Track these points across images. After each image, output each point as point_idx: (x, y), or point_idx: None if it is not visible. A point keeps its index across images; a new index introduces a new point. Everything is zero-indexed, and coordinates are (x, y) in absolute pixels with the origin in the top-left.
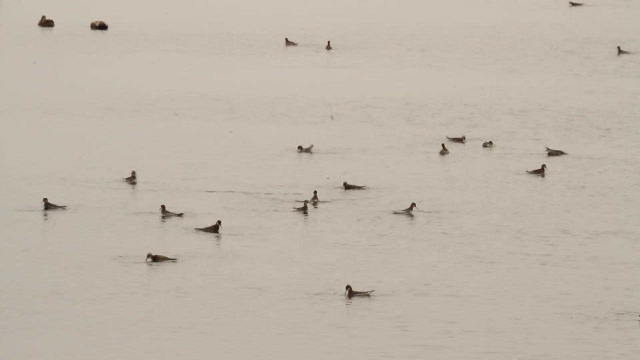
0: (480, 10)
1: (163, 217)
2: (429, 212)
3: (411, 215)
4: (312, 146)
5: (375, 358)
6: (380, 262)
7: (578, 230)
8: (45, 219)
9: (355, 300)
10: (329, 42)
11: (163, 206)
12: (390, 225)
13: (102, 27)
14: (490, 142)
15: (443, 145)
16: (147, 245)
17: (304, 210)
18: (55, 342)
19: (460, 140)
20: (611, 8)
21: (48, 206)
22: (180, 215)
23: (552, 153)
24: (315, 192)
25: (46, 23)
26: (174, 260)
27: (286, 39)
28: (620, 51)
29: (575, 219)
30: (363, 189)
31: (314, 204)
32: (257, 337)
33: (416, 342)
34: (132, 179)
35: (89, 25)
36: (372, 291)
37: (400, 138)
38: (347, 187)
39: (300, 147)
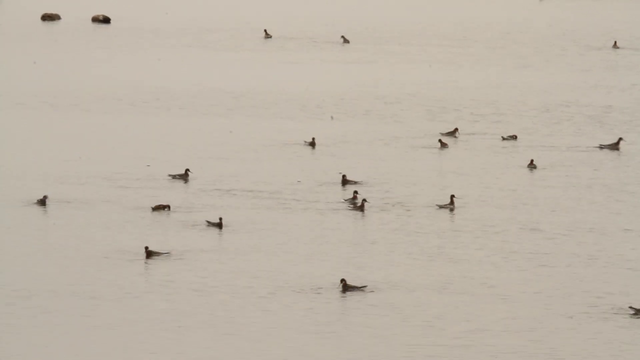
0: (481, 6)
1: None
2: (453, 206)
3: (451, 209)
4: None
5: (397, 356)
6: (402, 258)
7: (602, 227)
8: (46, 216)
9: (376, 298)
10: (343, 37)
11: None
12: (410, 221)
13: (106, 20)
14: (513, 136)
15: (440, 140)
16: (163, 241)
17: (360, 207)
18: (66, 340)
19: (453, 133)
20: (579, 1)
21: (43, 202)
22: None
23: (604, 147)
24: (355, 192)
25: (47, 17)
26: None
27: (265, 31)
28: (615, 45)
29: (599, 215)
30: (360, 184)
31: (358, 204)
32: (274, 336)
33: (441, 342)
34: (185, 176)
35: (91, 18)
36: (365, 286)
37: (415, 132)
38: (345, 182)
39: (309, 141)
